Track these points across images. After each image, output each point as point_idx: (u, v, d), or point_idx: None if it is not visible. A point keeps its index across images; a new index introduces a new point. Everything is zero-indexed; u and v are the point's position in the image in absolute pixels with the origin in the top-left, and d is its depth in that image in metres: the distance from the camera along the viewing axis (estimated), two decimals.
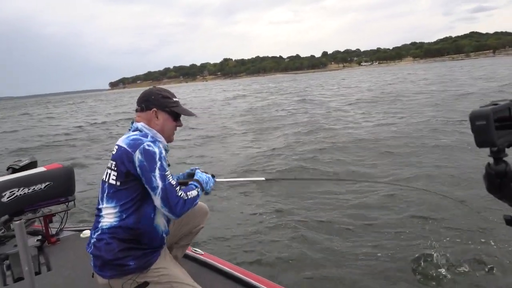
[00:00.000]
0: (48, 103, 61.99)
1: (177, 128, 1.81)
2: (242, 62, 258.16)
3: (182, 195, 1.60)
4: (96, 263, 1.58)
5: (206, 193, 1.83)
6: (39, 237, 2.22)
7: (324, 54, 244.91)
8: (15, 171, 2.14)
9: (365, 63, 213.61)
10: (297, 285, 2.97)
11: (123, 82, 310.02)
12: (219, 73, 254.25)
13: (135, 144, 1.56)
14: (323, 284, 2.96)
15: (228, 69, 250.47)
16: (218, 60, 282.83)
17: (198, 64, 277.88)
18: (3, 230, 2.10)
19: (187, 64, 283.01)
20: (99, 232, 1.58)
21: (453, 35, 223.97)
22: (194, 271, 2.21)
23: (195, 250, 2.49)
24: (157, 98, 1.73)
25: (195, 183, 1.77)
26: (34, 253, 2.13)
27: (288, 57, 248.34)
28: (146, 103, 1.72)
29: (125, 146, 1.57)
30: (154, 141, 1.62)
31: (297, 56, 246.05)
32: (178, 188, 1.60)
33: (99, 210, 1.62)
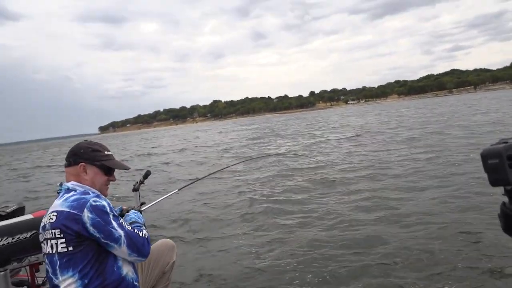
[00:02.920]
0: (32, 152, 60.82)
1: (110, 182, 1.75)
2: (231, 103, 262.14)
3: (143, 234, 1.61)
4: None
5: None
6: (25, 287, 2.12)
7: (312, 93, 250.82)
8: (1, 217, 2.06)
9: (352, 101, 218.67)
10: None
11: (113, 126, 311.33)
12: (209, 114, 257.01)
13: (79, 205, 1.49)
14: None
15: (218, 110, 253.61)
16: (207, 102, 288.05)
17: (188, 106, 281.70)
18: None
19: (177, 106, 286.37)
20: None
21: (435, 72, 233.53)
22: None
23: None
24: (86, 152, 1.68)
25: (136, 224, 1.72)
26: None
27: (277, 97, 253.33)
28: (74, 158, 1.67)
29: (68, 209, 1.49)
30: (98, 195, 1.58)
31: (286, 96, 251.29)
32: (136, 230, 1.60)
33: (55, 287, 1.49)
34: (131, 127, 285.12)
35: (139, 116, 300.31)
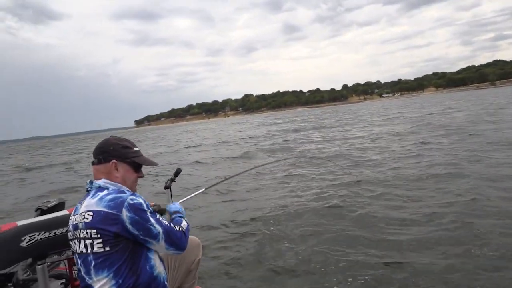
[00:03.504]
0: (79, 142, 63.78)
1: (139, 179, 1.74)
2: (263, 97, 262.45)
3: (180, 229, 1.63)
4: None
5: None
6: (63, 280, 2.15)
7: (345, 87, 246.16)
8: (43, 212, 2.14)
9: (386, 95, 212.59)
10: None
11: (148, 120, 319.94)
12: (240, 108, 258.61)
13: (116, 204, 1.47)
14: None
15: (250, 104, 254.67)
16: (239, 96, 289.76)
17: (220, 100, 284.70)
18: (28, 273, 2.03)
19: (210, 100, 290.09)
20: None
21: (476, 63, 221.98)
22: None
23: None
24: (116, 149, 1.65)
25: (178, 214, 1.80)
26: None
27: (308, 91, 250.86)
28: (104, 155, 1.63)
29: (105, 209, 1.46)
30: (133, 193, 1.57)
31: (317, 89, 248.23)
32: (173, 224, 1.61)
33: (88, 286, 1.48)
34: (165, 120, 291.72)
35: (172, 110, 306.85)
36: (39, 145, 74.27)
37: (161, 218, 1.57)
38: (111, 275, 1.44)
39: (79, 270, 1.53)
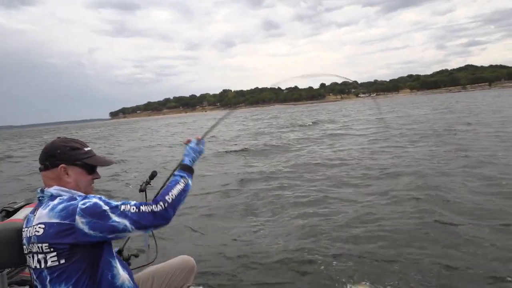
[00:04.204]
0: (46, 133, 61.47)
1: (95, 180, 1.60)
2: (241, 93, 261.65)
3: (155, 207, 1.43)
4: None
5: (200, 153, 1.78)
6: (27, 287, 2.02)
7: (322, 85, 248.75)
8: (9, 214, 2.03)
9: (363, 95, 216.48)
10: None
11: (123, 112, 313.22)
12: (218, 103, 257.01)
13: (68, 213, 1.35)
14: None
15: (228, 100, 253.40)
16: (217, 91, 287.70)
17: (198, 94, 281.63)
18: None
19: (187, 95, 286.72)
20: None
21: (449, 67, 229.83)
22: None
23: None
24: (63, 152, 1.50)
25: (179, 173, 1.61)
26: None
27: (287, 89, 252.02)
28: (50, 160, 1.49)
29: (58, 220, 1.35)
30: (85, 196, 1.44)
31: (296, 87, 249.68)
32: (143, 206, 1.43)
33: None
34: (141, 113, 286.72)
35: (149, 103, 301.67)
36: (7, 135, 71.02)
37: (123, 206, 1.40)
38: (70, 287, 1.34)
39: (35, 286, 1.42)
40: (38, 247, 1.36)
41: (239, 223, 4.83)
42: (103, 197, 1.44)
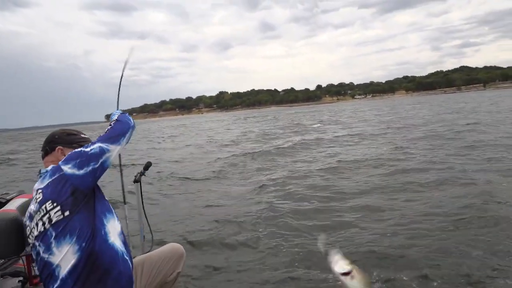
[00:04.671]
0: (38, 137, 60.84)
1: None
2: (237, 95, 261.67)
3: (109, 127, 1.60)
4: None
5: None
6: (21, 278, 2.05)
7: (318, 87, 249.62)
8: (1, 205, 2.03)
9: (359, 96, 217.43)
10: None
11: None
12: (214, 105, 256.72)
13: (55, 169, 1.48)
14: None
15: (224, 102, 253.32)
16: (214, 93, 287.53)
17: (194, 97, 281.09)
18: None
19: (183, 97, 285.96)
20: (57, 283, 1.41)
21: (444, 69, 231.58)
22: None
23: None
24: (60, 137, 1.70)
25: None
26: None
27: (283, 90, 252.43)
28: (50, 145, 1.67)
29: (50, 179, 1.47)
30: None
31: (292, 89, 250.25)
32: (107, 131, 1.58)
33: (49, 265, 1.41)
34: (137, 116, 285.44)
35: (145, 105, 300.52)
36: (2, 139, 70.29)
37: (93, 141, 1.56)
38: (74, 239, 1.40)
39: (37, 254, 1.45)
40: (42, 209, 1.43)
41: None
42: None
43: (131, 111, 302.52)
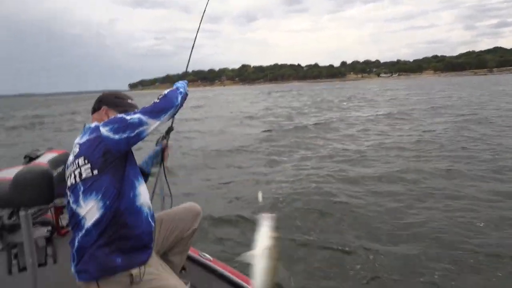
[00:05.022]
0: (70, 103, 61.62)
1: None
2: (260, 68, 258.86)
3: (156, 100, 1.63)
4: (80, 264, 1.51)
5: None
6: (49, 228, 2.14)
7: (343, 64, 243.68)
8: (31, 160, 2.09)
9: (384, 75, 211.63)
10: None
11: (142, 84, 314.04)
12: (237, 78, 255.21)
13: (95, 129, 1.54)
14: None
15: (247, 75, 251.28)
16: (236, 66, 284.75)
17: (217, 69, 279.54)
18: (15, 218, 1.97)
19: (206, 68, 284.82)
20: (83, 232, 1.50)
21: (476, 49, 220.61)
22: (200, 278, 2.19)
23: (203, 255, 2.37)
24: (108, 98, 1.76)
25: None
26: (42, 244, 2.07)
27: (307, 66, 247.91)
28: (97, 104, 1.75)
29: (88, 137, 1.54)
30: None
31: (316, 64, 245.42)
32: (152, 103, 1.61)
33: (76, 215, 1.52)
34: (159, 86, 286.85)
35: (167, 76, 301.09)
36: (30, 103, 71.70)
37: (137, 111, 1.58)
38: (100, 196, 1.48)
39: (68, 203, 1.56)
40: (75, 164, 1.53)
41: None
42: None
43: (154, 81, 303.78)
